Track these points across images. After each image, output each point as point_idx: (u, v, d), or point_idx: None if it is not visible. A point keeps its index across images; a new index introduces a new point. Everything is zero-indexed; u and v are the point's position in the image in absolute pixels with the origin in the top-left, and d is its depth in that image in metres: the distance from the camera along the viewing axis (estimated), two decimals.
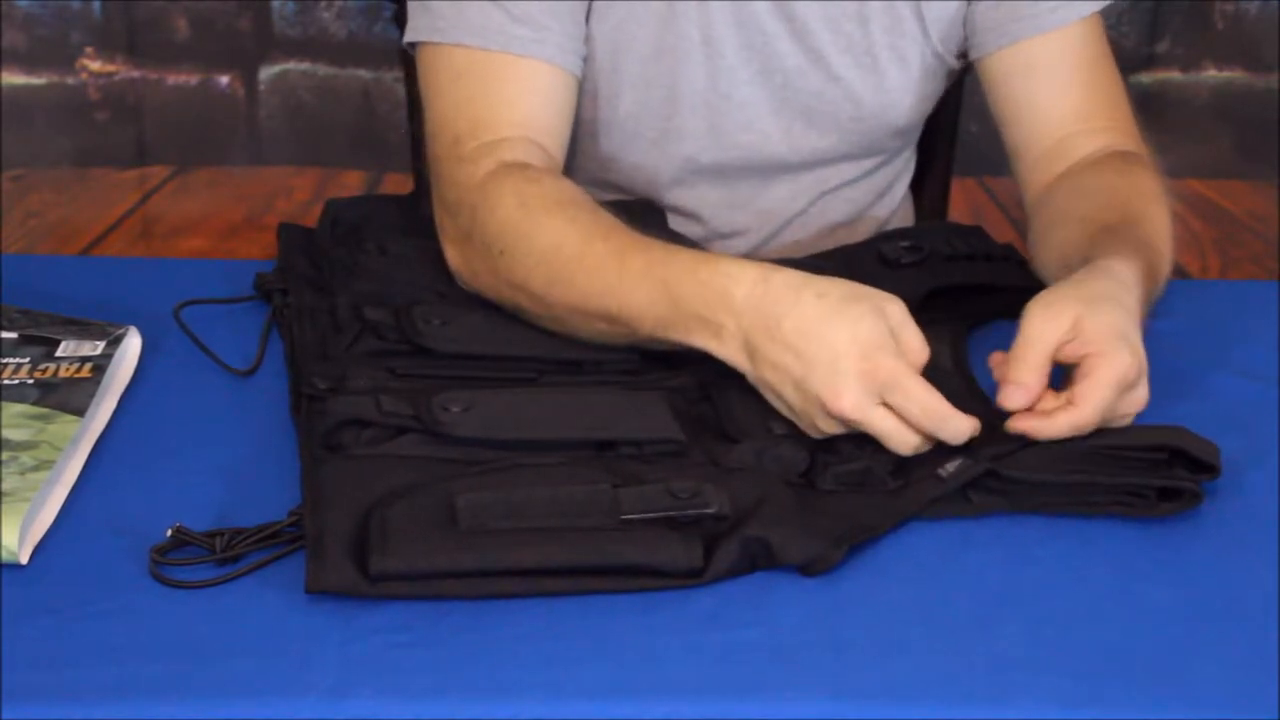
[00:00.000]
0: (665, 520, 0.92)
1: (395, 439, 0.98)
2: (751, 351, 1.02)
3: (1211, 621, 0.89)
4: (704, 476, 0.96)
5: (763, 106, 1.33)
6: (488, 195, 1.15)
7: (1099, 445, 0.99)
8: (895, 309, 1.01)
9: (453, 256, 1.18)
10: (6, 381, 1.05)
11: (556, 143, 1.24)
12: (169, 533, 0.90)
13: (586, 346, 1.11)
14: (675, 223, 1.34)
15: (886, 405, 0.99)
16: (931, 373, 1.02)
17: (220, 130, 2.57)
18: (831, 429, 1.00)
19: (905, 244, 1.27)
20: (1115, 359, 0.99)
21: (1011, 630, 0.87)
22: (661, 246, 1.08)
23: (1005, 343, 1.08)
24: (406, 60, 1.42)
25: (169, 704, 0.79)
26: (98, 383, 1.06)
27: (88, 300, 1.18)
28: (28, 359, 1.08)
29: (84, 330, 1.12)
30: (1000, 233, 1.34)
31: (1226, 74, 2.63)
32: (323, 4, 2.53)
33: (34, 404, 1.03)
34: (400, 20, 1.34)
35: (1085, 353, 1.00)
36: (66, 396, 1.04)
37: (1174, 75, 2.63)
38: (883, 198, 1.45)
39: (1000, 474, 0.98)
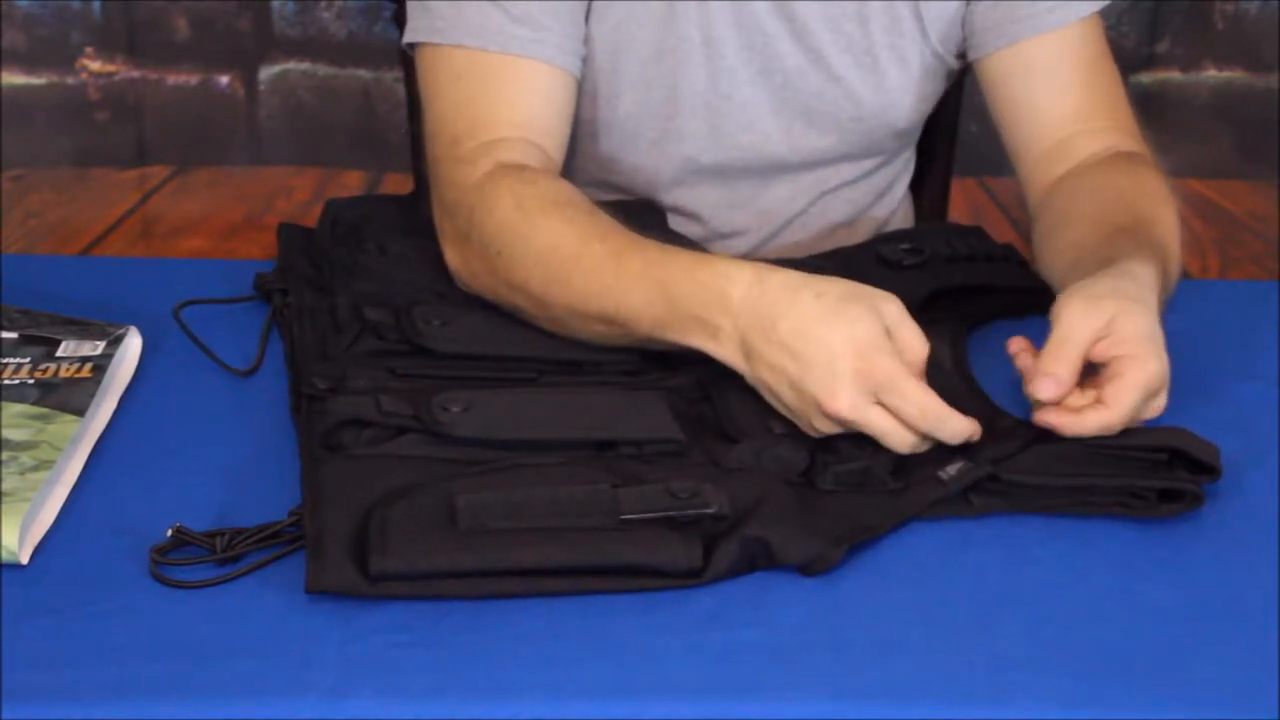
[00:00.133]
0: (665, 520, 0.92)
1: (395, 439, 0.98)
2: (748, 352, 1.02)
3: (1211, 621, 0.89)
4: (703, 476, 0.96)
5: (763, 107, 1.33)
6: (485, 196, 1.15)
7: (1100, 446, 1.00)
8: (892, 308, 1.00)
9: (451, 257, 1.18)
10: (6, 381, 1.05)
11: (555, 143, 1.24)
12: (169, 533, 0.90)
13: (586, 347, 1.11)
14: (675, 223, 1.34)
15: (883, 405, 0.99)
16: (932, 372, 1.02)
17: (220, 130, 2.57)
18: (829, 429, 1.00)
19: (906, 246, 1.27)
20: (1147, 363, 1.00)
21: (1011, 630, 0.87)
22: (658, 247, 1.08)
23: (1005, 343, 1.08)
24: (406, 60, 1.42)
25: (169, 704, 0.79)
26: (98, 383, 1.06)
27: (88, 300, 1.18)
28: (28, 359, 1.08)
29: (84, 330, 1.12)
30: (1000, 233, 1.34)
31: (1226, 74, 2.63)
32: (323, 4, 2.53)
33: (34, 404, 1.03)
34: (400, 20, 1.34)
35: (1118, 354, 1.00)
36: (66, 396, 1.04)
37: (1174, 75, 2.63)
38: (883, 198, 1.45)
39: (1001, 477, 0.98)
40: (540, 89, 1.23)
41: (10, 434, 0.99)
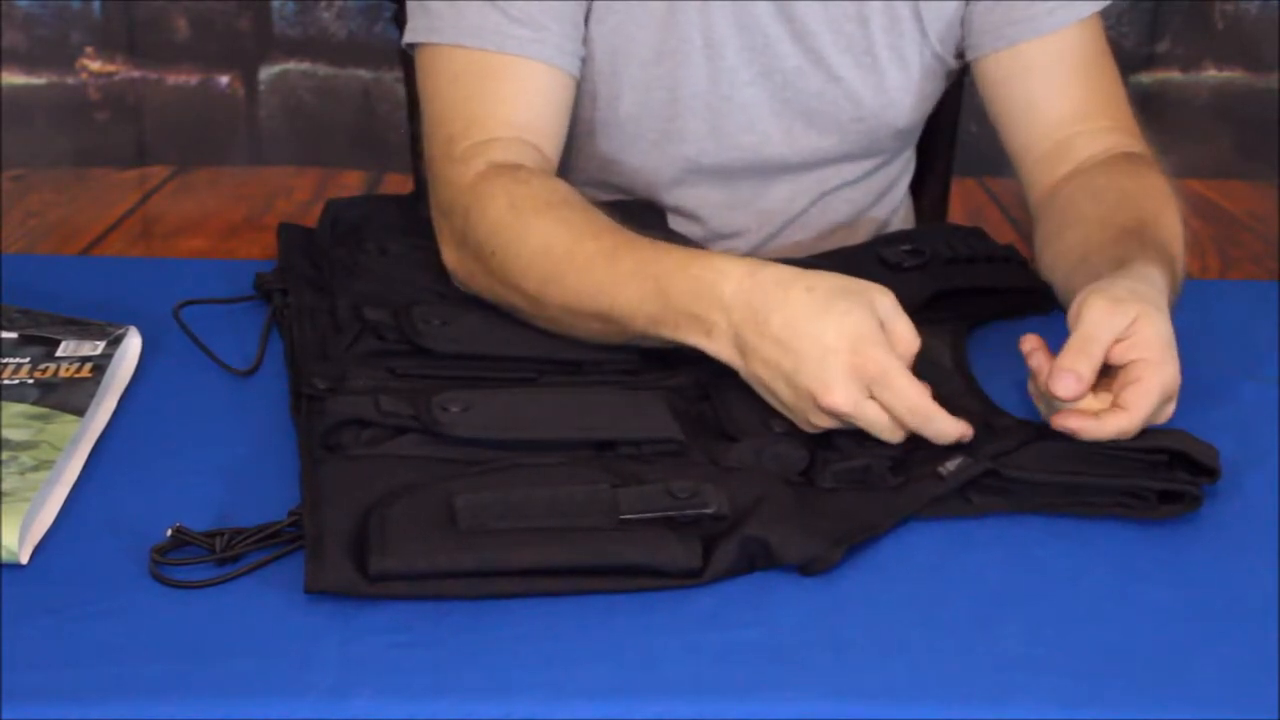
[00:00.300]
0: (664, 520, 0.92)
1: (395, 439, 0.98)
2: (742, 347, 1.02)
3: (1211, 621, 0.89)
4: (703, 476, 0.96)
5: (763, 108, 1.33)
6: (479, 196, 1.15)
7: (1100, 447, 0.99)
8: (885, 300, 1.00)
9: (448, 257, 1.18)
10: (6, 381, 1.05)
11: (551, 143, 1.24)
12: (169, 533, 0.90)
13: (585, 346, 1.11)
14: (675, 223, 1.34)
15: (875, 399, 0.99)
16: (932, 372, 1.02)
17: (220, 130, 2.57)
18: (825, 423, 1.00)
19: (906, 247, 1.27)
20: (1164, 370, 1.00)
21: (1011, 630, 0.87)
22: (652, 244, 1.08)
23: (1005, 343, 1.08)
24: (406, 60, 1.42)
25: (169, 704, 0.79)
26: (98, 383, 1.06)
27: (88, 300, 1.18)
28: (28, 359, 1.08)
29: (84, 330, 1.12)
30: (1000, 233, 1.34)
31: (1226, 74, 2.63)
32: (323, 4, 2.53)
33: (34, 404, 1.03)
34: (400, 20, 1.34)
35: (1137, 357, 1.00)
36: (66, 396, 1.04)
37: (1174, 75, 2.63)
38: (883, 198, 1.45)
39: (1000, 473, 0.98)
40: (538, 89, 1.23)
41: (10, 434, 0.99)
